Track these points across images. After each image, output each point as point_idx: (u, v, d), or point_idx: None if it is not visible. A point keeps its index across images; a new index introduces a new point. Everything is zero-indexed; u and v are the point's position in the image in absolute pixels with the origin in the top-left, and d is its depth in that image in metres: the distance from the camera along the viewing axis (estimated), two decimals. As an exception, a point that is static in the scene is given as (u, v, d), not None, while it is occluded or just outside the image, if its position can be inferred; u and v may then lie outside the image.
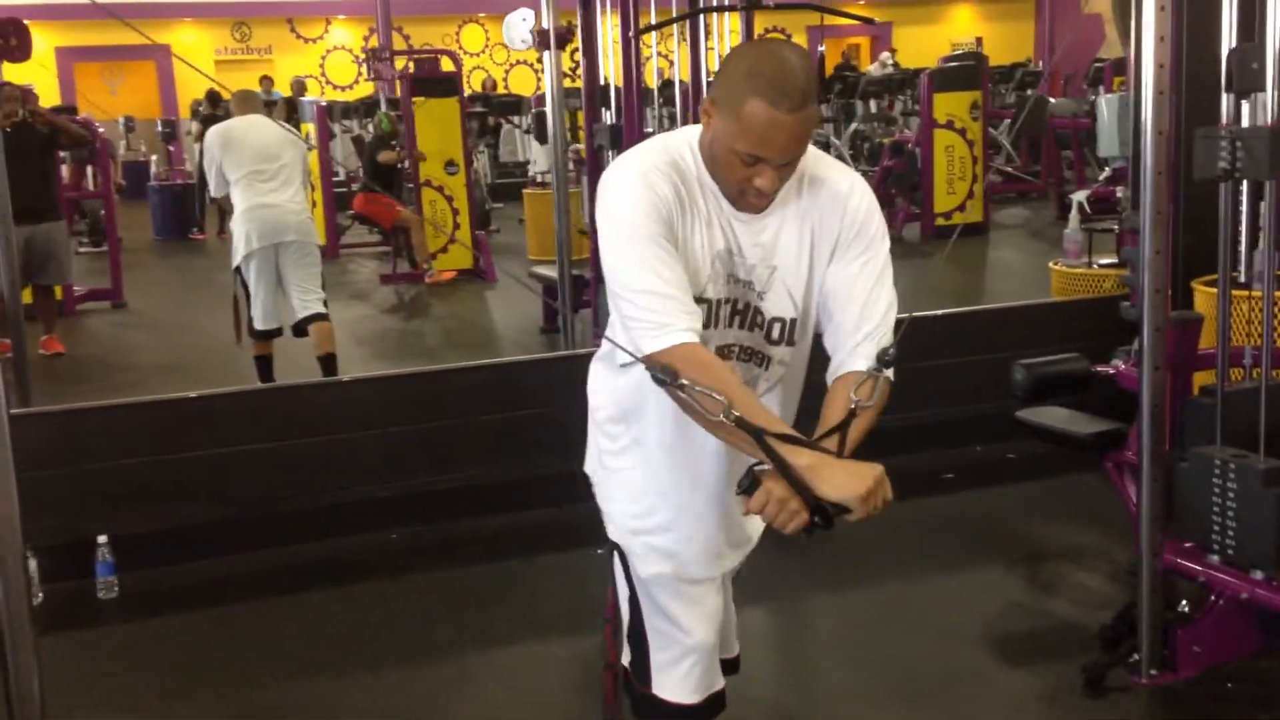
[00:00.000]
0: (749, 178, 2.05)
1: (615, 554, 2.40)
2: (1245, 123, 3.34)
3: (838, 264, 2.17)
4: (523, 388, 5.07)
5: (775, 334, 2.22)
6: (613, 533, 2.39)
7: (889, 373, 2.12)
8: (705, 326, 2.13)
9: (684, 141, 2.16)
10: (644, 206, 2.05)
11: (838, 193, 2.17)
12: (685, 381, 1.95)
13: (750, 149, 2.01)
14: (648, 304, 2.01)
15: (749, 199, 2.09)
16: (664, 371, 1.96)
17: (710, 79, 7.00)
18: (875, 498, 1.93)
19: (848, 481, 1.91)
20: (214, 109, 14.25)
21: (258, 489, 4.68)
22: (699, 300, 2.11)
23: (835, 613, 4.11)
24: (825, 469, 1.92)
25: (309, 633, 4.01)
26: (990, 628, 3.86)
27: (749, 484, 1.95)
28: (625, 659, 2.46)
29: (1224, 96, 3.37)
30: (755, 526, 2.44)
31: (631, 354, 2.02)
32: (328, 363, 6.16)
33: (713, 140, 2.07)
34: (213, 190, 6.25)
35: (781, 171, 2.06)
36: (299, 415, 4.83)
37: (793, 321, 2.21)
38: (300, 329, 6.19)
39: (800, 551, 4.33)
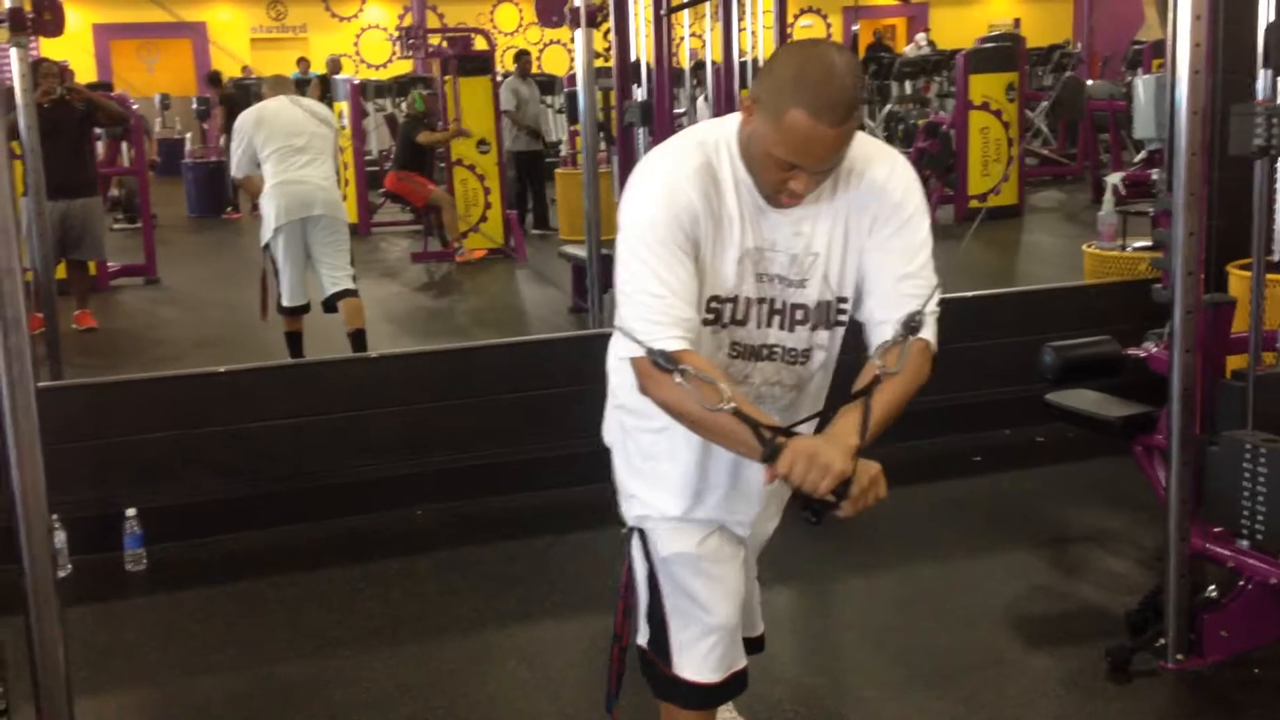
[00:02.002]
0: (784, 180, 2.04)
1: (635, 531, 2.39)
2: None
3: (875, 242, 2.16)
4: (550, 366, 5.07)
5: (815, 319, 2.21)
6: (632, 509, 2.39)
7: (927, 338, 2.10)
8: (730, 324, 2.15)
9: (721, 136, 2.14)
10: (665, 215, 2.05)
11: (878, 173, 2.15)
12: (686, 367, 1.95)
13: (788, 156, 1.99)
14: (647, 303, 2.03)
15: (782, 199, 2.08)
16: (665, 358, 1.97)
17: (742, 59, 6.97)
18: (868, 495, 1.94)
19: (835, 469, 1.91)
20: (219, 89, 14.35)
21: (284, 464, 4.71)
22: (730, 299, 2.11)
23: (862, 594, 4.09)
24: (817, 457, 1.92)
25: (332, 607, 4.03)
26: (1016, 611, 3.83)
27: (771, 450, 1.94)
28: (643, 639, 2.45)
29: (1260, 73, 3.31)
30: (778, 505, 2.43)
31: (631, 336, 2.03)
32: (357, 338, 6.18)
33: (750, 137, 2.06)
34: (235, 170, 6.27)
35: (817, 177, 2.04)
36: (326, 391, 4.85)
37: (829, 305, 2.20)
38: (330, 305, 6.21)
39: (828, 534, 4.31)
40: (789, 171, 2.02)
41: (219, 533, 4.57)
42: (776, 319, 2.18)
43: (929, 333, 2.12)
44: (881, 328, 2.13)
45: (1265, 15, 3.32)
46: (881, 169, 2.16)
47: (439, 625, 3.87)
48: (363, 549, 4.49)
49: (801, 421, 2.19)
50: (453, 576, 4.23)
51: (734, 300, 2.14)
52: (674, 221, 2.05)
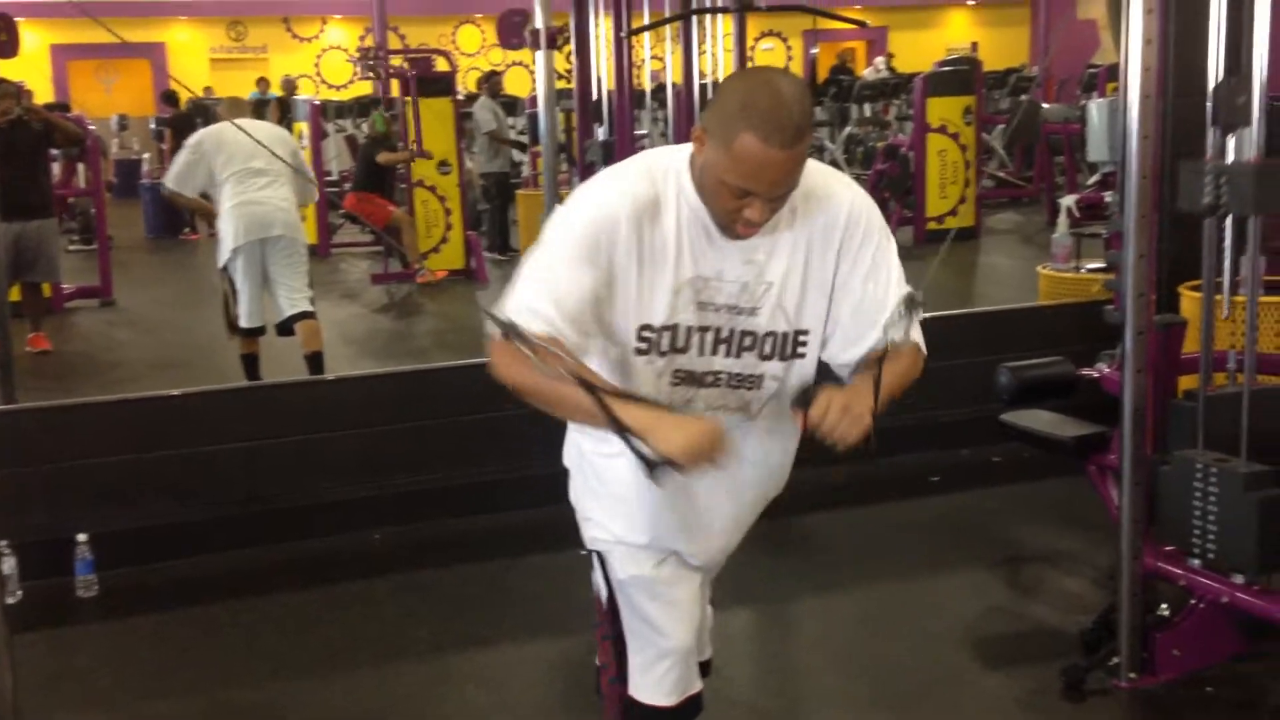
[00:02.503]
0: (738, 209, 2.03)
1: (595, 555, 2.39)
2: (1230, 156, 3.33)
3: (843, 269, 2.16)
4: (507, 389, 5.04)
5: (768, 349, 2.19)
6: (590, 532, 2.38)
7: (917, 341, 2.17)
8: (670, 352, 2.15)
9: (672, 164, 2.13)
10: (585, 230, 2.07)
11: (835, 203, 2.16)
12: (529, 338, 1.98)
13: (740, 182, 1.99)
14: (525, 290, 2.05)
15: (738, 229, 2.07)
16: (515, 331, 1.99)
17: (703, 81, 7.00)
18: (706, 453, 1.94)
19: (677, 436, 1.94)
20: (175, 109, 14.27)
21: (240, 488, 4.67)
22: (666, 328, 2.12)
23: (819, 614, 4.10)
24: (659, 424, 1.95)
25: (288, 632, 4.00)
26: (972, 630, 3.85)
27: (804, 399, 2.00)
28: (601, 660, 2.45)
29: (1209, 131, 3.35)
30: (737, 531, 2.43)
31: (496, 316, 2.03)
32: (314, 361, 6.14)
33: (703, 167, 2.05)
34: (169, 181, 6.17)
35: (772, 204, 2.05)
36: (283, 413, 4.82)
37: (785, 336, 2.18)
38: (286, 327, 6.17)
39: (787, 552, 4.33)
40: (743, 199, 2.01)
41: (173, 557, 4.52)
42: (722, 347, 2.17)
43: (917, 336, 2.18)
44: (859, 347, 2.15)
45: (1216, 44, 3.35)
46: (839, 192, 2.16)
47: (396, 649, 3.85)
48: (319, 572, 4.46)
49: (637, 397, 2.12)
50: (410, 599, 4.21)
51: (671, 329, 2.13)
52: (592, 239, 2.05)
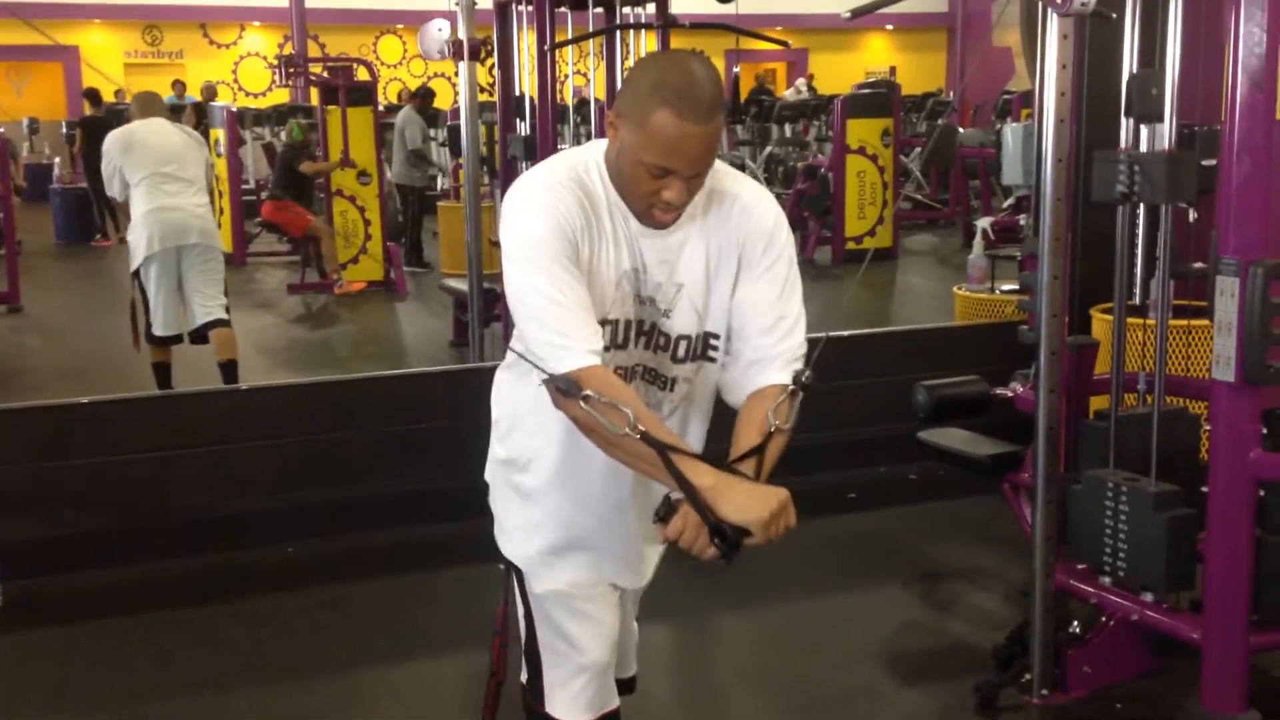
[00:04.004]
0: (657, 190, 2.02)
1: (511, 568, 2.37)
2: (1144, 148, 3.41)
3: (746, 277, 2.15)
4: (428, 400, 5.01)
5: (680, 352, 2.19)
6: (507, 547, 2.36)
7: (793, 420, 2.09)
8: (612, 348, 2.12)
9: (589, 158, 2.13)
10: (548, 225, 2.02)
11: (745, 207, 2.16)
12: (590, 393, 1.93)
13: (658, 160, 1.99)
14: (551, 323, 1.98)
15: (656, 213, 2.06)
16: (568, 384, 1.94)
17: (624, 96, 7.02)
18: (779, 522, 1.91)
19: (750, 504, 1.89)
20: (95, 109, 13.99)
21: (150, 498, 4.57)
22: (605, 322, 2.09)
23: (737, 630, 4.10)
24: (729, 490, 1.90)
25: (197, 646, 3.92)
26: (888, 646, 3.88)
27: (665, 511, 1.93)
28: (524, 676, 2.43)
29: (1123, 121, 3.44)
30: (654, 551, 2.42)
31: (536, 365, 1.99)
32: (228, 369, 6.05)
33: (620, 153, 2.04)
34: (113, 193, 6.09)
35: (690, 184, 2.04)
36: (195, 423, 4.73)
37: (697, 338, 2.19)
38: (200, 336, 6.07)
39: (704, 570, 4.32)
40: (661, 180, 2.01)
41: (81, 569, 4.41)
42: (643, 340, 2.17)
43: (793, 419, 2.10)
44: (765, 371, 2.12)
45: (1129, 66, 3.44)
46: (749, 196, 2.17)
47: (309, 664, 3.79)
48: (232, 585, 4.38)
49: (734, 460, 2.06)
50: (324, 614, 4.15)
51: (613, 323, 2.12)
52: (559, 234, 2.02)
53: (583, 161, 2.12)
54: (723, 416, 2.22)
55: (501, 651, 2.46)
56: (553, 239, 2.02)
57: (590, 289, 2.05)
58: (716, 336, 2.19)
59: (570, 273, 2.01)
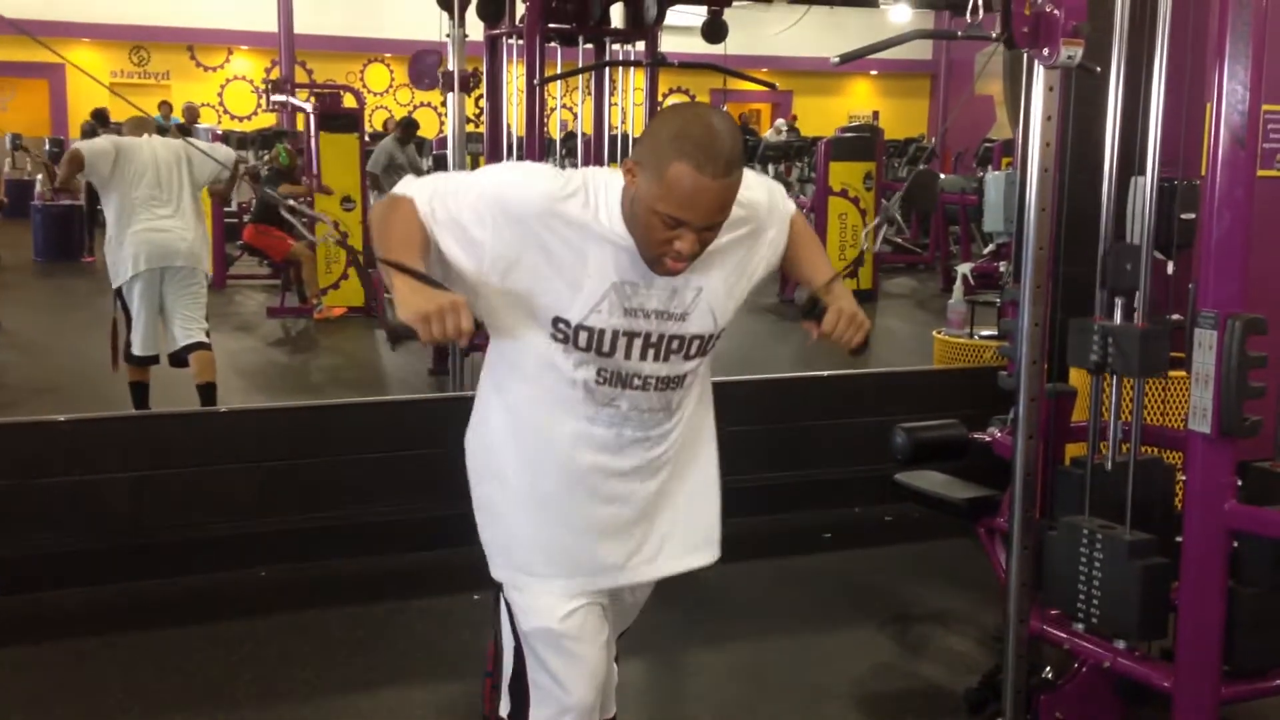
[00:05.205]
0: (669, 240, 2.05)
1: (503, 603, 2.37)
2: (1130, 198, 3.45)
3: (778, 241, 2.35)
4: (405, 428, 5.00)
5: (694, 350, 2.25)
6: (496, 572, 2.36)
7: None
8: (607, 355, 2.16)
9: (611, 180, 2.17)
10: (494, 195, 2.10)
11: (756, 207, 2.29)
12: (395, 215, 2.10)
13: (672, 211, 2.02)
14: (417, 191, 2.12)
15: (667, 262, 2.09)
16: (393, 198, 2.16)
17: (612, 133, 7.06)
18: (438, 323, 1.93)
19: (415, 301, 1.94)
20: (103, 127, 13.97)
21: (124, 519, 4.54)
22: (587, 329, 2.12)
23: (710, 667, 4.10)
24: (409, 292, 1.96)
25: (166, 669, 3.89)
26: (860, 687, 3.88)
27: (813, 310, 2.22)
28: (504, 709, 2.42)
29: (1098, 293, 3.46)
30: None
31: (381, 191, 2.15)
32: (207, 392, 6.02)
33: (634, 200, 2.07)
34: (81, 146, 5.99)
35: (702, 236, 2.07)
36: (171, 444, 4.71)
37: (710, 336, 2.26)
38: (179, 358, 6.05)
39: (678, 605, 4.33)
40: (674, 230, 2.04)
41: (51, 588, 4.38)
42: (651, 351, 2.20)
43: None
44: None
45: (1113, 117, 3.46)
46: (759, 198, 2.30)
47: (278, 690, 3.76)
48: (202, 609, 4.35)
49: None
50: (294, 640, 4.12)
51: (589, 330, 2.15)
52: (498, 207, 2.09)
53: (603, 179, 2.18)
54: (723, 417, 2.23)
55: (493, 693, 2.45)
56: (489, 202, 2.09)
57: (548, 287, 2.12)
58: (723, 331, 2.29)
59: (464, 225, 2.09)
